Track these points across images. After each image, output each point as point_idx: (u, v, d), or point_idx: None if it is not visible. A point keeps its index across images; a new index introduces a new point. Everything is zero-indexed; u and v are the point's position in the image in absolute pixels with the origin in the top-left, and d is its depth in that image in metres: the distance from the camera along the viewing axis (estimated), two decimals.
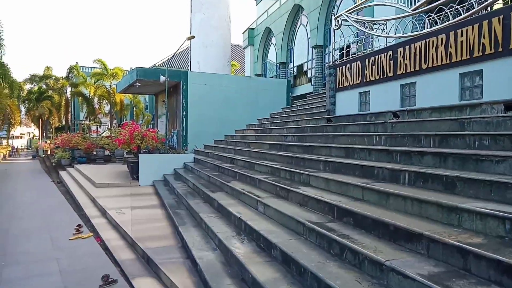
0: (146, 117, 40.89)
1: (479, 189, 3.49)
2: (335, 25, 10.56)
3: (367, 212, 4.02)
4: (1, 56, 17.69)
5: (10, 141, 46.45)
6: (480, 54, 5.79)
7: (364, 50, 10.36)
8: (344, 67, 9.89)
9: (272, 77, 24.40)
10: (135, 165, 13.06)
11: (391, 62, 8.01)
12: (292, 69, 22.70)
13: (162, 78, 17.00)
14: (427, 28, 7.02)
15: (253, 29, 26.75)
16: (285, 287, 3.60)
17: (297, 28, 21.84)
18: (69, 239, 7.06)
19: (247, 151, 10.68)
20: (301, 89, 21.51)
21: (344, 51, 10.96)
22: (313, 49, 19.40)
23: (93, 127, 35.18)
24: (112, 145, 21.96)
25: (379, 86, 8.49)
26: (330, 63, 10.63)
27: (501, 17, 5.48)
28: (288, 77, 22.52)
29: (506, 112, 4.75)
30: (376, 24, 9.21)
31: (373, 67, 8.61)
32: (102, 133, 33.35)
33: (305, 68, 21.29)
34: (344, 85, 9.84)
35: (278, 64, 23.61)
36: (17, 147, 43.00)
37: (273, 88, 20.32)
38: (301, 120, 11.39)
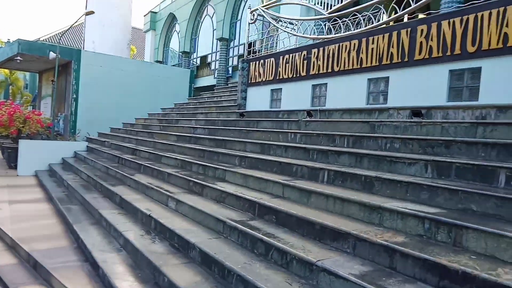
0: (25, 97, 35.82)
1: (396, 189, 3.71)
2: (251, 19, 10.53)
3: (290, 210, 3.98)
4: None
5: None
6: (388, 62, 6.28)
7: (269, 49, 10.49)
8: (257, 62, 9.90)
9: (174, 66, 23.46)
10: (13, 152, 11.27)
11: (305, 61, 8.26)
12: (195, 60, 22.15)
13: (52, 55, 14.98)
14: (342, 32, 7.38)
15: (155, 13, 25.30)
16: None
17: (203, 18, 21.28)
18: None
19: (151, 141, 10.00)
20: (204, 81, 21.13)
21: (247, 48, 10.93)
22: (218, 41, 19.19)
23: None
24: None
25: (292, 84, 8.69)
26: (244, 57, 10.55)
27: (409, 29, 6.00)
28: (191, 67, 21.90)
29: (413, 118, 5.22)
30: (292, 24, 9.41)
31: (287, 65, 8.77)
32: None
33: (209, 60, 20.97)
34: (257, 80, 9.87)
35: (180, 53, 22.78)
36: None
37: (175, 77, 19.51)
38: (211, 112, 11.11)
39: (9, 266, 4.92)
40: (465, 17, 5.48)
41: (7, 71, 31.98)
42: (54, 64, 14.73)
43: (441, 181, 3.59)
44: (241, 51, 18.49)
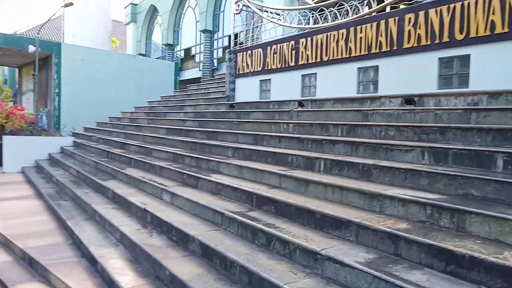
0: (5, 92, 34.79)
1: (394, 176, 3.76)
2: (236, 10, 10.41)
3: (289, 200, 4.00)
4: None
5: None
6: (377, 51, 6.31)
7: (255, 39, 10.40)
8: (245, 53, 9.83)
9: (157, 59, 23.11)
10: None
11: (293, 52, 8.24)
12: (179, 52, 21.87)
13: (31, 48, 14.54)
14: (330, 22, 7.37)
15: (136, 5, 24.77)
16: (211, 283, 3.34)
17: (185, 10, 20.92)
18: None
19: (140, 135, 9.87)
20: (189, 73, 20.93)
21: (233, 39, 10.79)
22: (202, 33, 18.98)
23: None
24: None
25: (281, 74, 8.67)
26: (231, 48, 10.46)
27: (396, 18, 6.04)
28: (175, 60, 21.62)
29: (406, 106, 5.28)
30: (278, 14, 9.35)
31: (275, 55, 8.74)
32: None
33: (193, 52, 20.75)
34: (245, 71, 9.81)
35: (164, 46, 22.44)
36: None
37: (160, 69, 19.20)
38: (199, 105, 11.01)
39: (4, 263, 4.83)
40: (452, 5, 5.52)
41: None
42: (34, 58, 14.32)
43: (439, 167, 3.66)
44: (225, 43, 18.35)
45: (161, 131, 9.56)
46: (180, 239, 4.29)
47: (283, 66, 8.57)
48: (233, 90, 10.16)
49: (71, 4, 14.32)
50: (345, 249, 3.06)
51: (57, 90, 16.26)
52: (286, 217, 3.96)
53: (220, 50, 18.75)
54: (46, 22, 16.56)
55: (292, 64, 8.31)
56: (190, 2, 20.21)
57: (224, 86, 11.20)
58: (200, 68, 19.63)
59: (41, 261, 4.56)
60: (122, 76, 17.54)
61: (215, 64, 19.03)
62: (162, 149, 7.84)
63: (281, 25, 9.10)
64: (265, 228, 3.66)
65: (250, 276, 3.17)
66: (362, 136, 5.09)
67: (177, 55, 21.96)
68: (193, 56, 20.71)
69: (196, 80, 18.67)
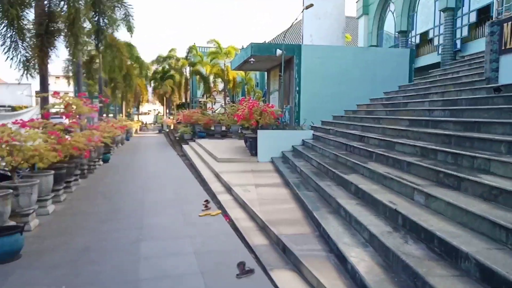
0: (256, 93, 41.34)
1: None
2: None
3: None
4: (131, 35, 19.04)
5: (140, 117, 51.96)
6: None
7: None
8: None
9: (390, 48, 21.97)
10: (254, 141, 12.75)
11: None
12: (412, 38, 20.06)
13: (279, 52, 16.38)
14: None
15: None
16: None
17: None
18: (199, 215, 6.86)
19: (378, 127, 9.34)
20: (425, 60, 19.10)
21: (497, 7, 8.51)
22: (442, 12, 16.62)
23: (208, 104, 36.88)
24: (228, 120, 22.43)
25: None
26: (493, 19, 8.48)
27: None
28: (409, 47, 19.93)
29: None
30: None
31: None
32: (216, 110, 34.71)
33: (431, 35, 18.62)
34: None
35: (396, 33, 21.13)
36: (146, 122, 47.88)
37: (393, 59, 18.15)
38: (448, 91, 9.51)
39: (262, 246, 5.31)
40: None
41: (243, 73, 37.67)
42: (280, 61, 16.02)
43: None
44: (472, 19, 15.59)
45: (403, 122, 8.73)
46: (446, 253, 3.53)
47: None
48: (496, 70, 8.20)
49: (311, 5, 15.21)
50: None
51: (297, 88, 17.80)
52: None
53: (465, 29, 16.09)
54: (290, 27, 18.28)
55: None
56: None
57: (477, 68, 9.26)
58: (439, 52, 17.48)
59: (294, 250, 4.72)
60: (354, 69, 17.61)
61: (458, 46, 16.48)
62: (406, 142, 7.07)
63: None
64: None
65: None
66: None
67: (411, 42, 20.36)
68: (430, 40, 18.75)
69: (433, 66, 16.73)
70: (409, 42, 20.60)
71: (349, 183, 6.50)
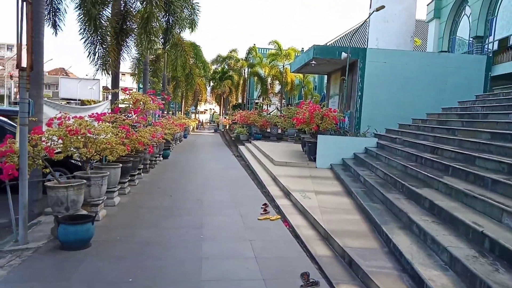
0: (314, 97, 40.76)
1: None
2: None
3: None
4: (191, 32, 19.41)
5: (197, 115, 53.59)
6: None
7: None
8: None
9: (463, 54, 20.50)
10: (313, 146, 12.44)
11: None
12: (490, 45, 18.52)
13: (344, 55, 15.91)
14: None
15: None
16: None
17: None
18: (258, 219, 6.74)
19: (453, 139, 8.62)
20: (503, 68, 17.47)
21: None
22: None
23: (265, 106, 37.00)
24: (285, 123, 22.27)
25: None
26: None
27: None
28: (486, 53, 18.40)
29: None
30: None
31: None
32: (271, 112, 34.71)
33: (511, 41, 17.07)
34: None
35: (471, 39, 19.62)
36: (202, 121, 49.26)
37: (466, 66, 16.81)
38: None
39: (326, 257, 5.04)
40: None
41: (301, 76, 37.32)
42: (342, 65, 15.52)
43: None
44: None
45: (483, 135, 7.97)
46: None
47: None
48: None
49: (382, 7, 14.58)
50: None
51: (359, 93, 17.16)
52: None
53: None
54: (358, 29, 17.70)
55: None
56: None
57: None
58: None
59: (362, 265, 4.40)
60: (422, 76, 16.63)
61: None
62: (489, 157, 6.41)
63: None
64: None
65: None
66: None
67: (488, 48, 18.82)
68: (511, 46, 17.16)
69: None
70: (486, 49, 19.09)
71: (422, 197, 6.01)
